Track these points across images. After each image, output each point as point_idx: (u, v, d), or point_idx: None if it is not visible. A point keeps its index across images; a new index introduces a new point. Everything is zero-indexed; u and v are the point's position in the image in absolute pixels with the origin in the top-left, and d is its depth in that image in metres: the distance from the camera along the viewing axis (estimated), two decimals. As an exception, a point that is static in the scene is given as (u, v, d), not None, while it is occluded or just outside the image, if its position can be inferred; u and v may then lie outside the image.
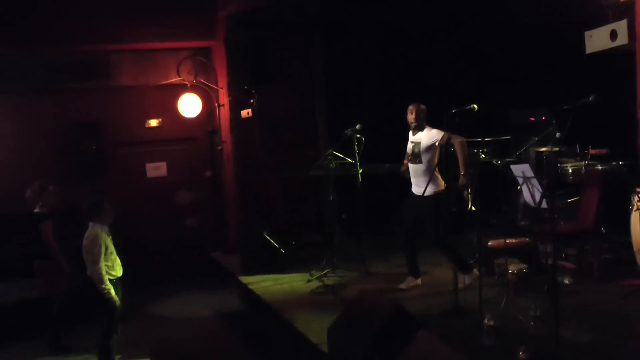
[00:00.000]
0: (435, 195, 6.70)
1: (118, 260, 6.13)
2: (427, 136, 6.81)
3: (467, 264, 6.91)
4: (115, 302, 5.96)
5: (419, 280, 7.08)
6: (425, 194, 6.42)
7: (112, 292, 5.95)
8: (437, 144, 6.72)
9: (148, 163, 10.55)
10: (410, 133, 7.01)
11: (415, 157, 6.84)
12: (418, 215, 6.81)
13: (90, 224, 6.01)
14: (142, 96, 10.33)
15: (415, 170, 6.88)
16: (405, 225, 6.93)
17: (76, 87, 9.93)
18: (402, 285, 7.01)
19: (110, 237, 6.13)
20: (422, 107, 6.90)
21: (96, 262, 5.86)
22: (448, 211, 6.84)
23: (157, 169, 10.59)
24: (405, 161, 7.02)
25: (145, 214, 10.32)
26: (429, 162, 6.75)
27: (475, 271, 6.69)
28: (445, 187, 6.80)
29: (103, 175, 9.99)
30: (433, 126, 6.83)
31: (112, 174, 10.16)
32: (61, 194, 7.24)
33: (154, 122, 10.47)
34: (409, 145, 6.96)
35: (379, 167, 8.58)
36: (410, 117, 6.88)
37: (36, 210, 6.92)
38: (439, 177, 6.79)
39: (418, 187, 6.82)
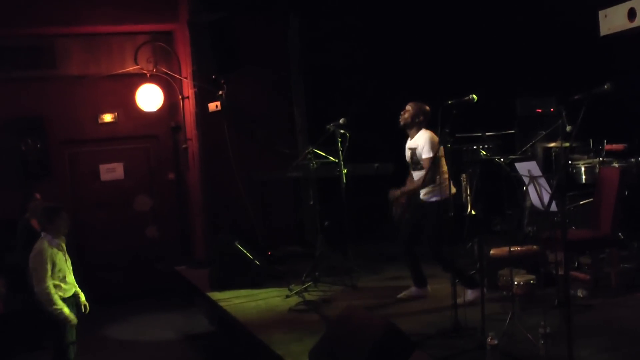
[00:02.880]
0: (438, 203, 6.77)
1: (71, 279, 6.01)
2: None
3: (472, 277, 6.91)
4: (70, 321, 5.86)
5: (429, 288, 7.10)
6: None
7: (66, 310, 5.83)
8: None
9: (102, 164, 10.50)
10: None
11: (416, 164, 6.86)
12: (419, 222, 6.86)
13: (42, 234, 5.91)
14: (94, 87, 10.27)
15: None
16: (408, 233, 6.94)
17: (16, 76, 9.85)
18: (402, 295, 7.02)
19: (63, 251, 5.99)
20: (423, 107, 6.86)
21: (41, 280, 5.75)
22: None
23: (112, 171, 10.55)
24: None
25: (99, 223, 10.28)
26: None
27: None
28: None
29: (49, 178, 9.89)
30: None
31: (60, 177, 10.10)
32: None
33: (108, 117, 10.43)
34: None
35: (366, 167, 8.58)
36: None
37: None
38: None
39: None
